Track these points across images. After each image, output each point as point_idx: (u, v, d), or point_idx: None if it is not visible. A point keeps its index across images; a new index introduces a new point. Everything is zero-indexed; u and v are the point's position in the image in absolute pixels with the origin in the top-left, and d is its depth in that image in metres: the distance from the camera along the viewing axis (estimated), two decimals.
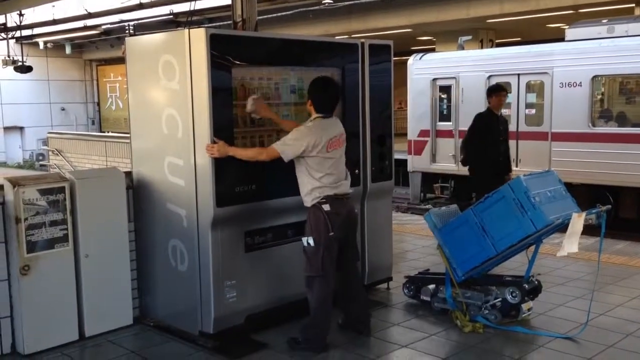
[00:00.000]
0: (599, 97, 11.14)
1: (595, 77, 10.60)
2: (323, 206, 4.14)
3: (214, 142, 4.15)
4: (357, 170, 5.18)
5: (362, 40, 5.23)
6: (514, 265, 5.34)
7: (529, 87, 11.65)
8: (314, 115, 4.30)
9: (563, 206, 4.54)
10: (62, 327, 4.41)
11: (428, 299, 5.11)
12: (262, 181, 4.46)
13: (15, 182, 4.25)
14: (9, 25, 18.67)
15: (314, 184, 4.17)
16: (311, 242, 4.16)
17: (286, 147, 4.15)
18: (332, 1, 15.19)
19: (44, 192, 4.28)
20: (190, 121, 4.26)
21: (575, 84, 10.71)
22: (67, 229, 4.38)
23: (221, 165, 4.19)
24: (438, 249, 4.87)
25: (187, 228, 4.40)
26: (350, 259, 4.45)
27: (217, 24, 16.23)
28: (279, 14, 16.19)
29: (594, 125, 10.64)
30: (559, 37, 12.48)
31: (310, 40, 5.40)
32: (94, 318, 4.55)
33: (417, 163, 13.18)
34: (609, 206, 4.78)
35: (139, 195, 4.81)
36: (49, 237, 4.30)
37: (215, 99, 4.18)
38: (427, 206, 12.76)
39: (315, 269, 4.16)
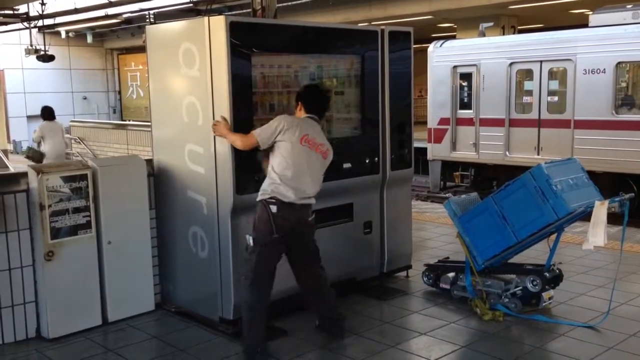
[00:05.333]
0: (623, 84, 10.95)
1: (619, 63, 10.42)
2: (270, 206, 3.91)
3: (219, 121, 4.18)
4: (376, 158, 5.17)
5: (382, 27, 5.20)
6: (535, 254, 5.31)
7: (552, 74, 11.50)
8: (303, 115, 4.15)
9: (585, 194, 4.49)
10: (85, 312, 4.49)
11: (448, 287, 5.11)
12: None
13: (39, 170, 4.31)
14: (31, 14, 18.82)
15: (272, 179, 3.95)
16: (251, 241, 3.99)
17: (262, 130, 3.99)
18: None
19: (67, 180, 4.34)
20: (211, 109, 4.28)
21: (598, 71, 10.54)
22: (89, 216, 4.44)
23: (241, 153, 4.20)
24: (458, 237, 4.85)
25: (207, 215, 4.44)
26: (307, 265, 4.20)
27: (237, 11, 16.21)
28: (299, 2, 16.13)
29: (617, 113, 10.48)
30: (583, 23, 12.29)
31: (330, 28, 5.38)
32: (117, 303, 4.62)
33: (437, 151, 13.11)
34: (632, 194, 4.72)
35: (160, 182, 4.85)
36: (72, 223, 4.36)
37: (235, 87, 4.19)
38: (446, 194, 12.70)
39: (248, 268, 4.01)
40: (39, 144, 11.36)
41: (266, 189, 3.97)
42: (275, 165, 3.98)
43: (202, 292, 4.60)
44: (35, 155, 11.63)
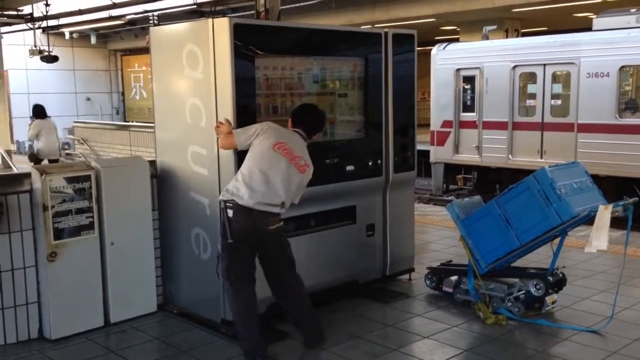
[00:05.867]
0: (627, 87, 10.94)
1: (623, 67, 10.41)
2: (228, 210, 3.85)
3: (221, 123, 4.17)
4: (379, 161, 5.17)
5: (386, 29, 5.20)
6: (538, 258, 5.29)
7: (555, 78, 11.49)
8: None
9: (589, 198, 4.48)
10: (87, 313, 4.49)
11: (450, 290, 5.09)
12: None
13: (43, 170, 4.31)
14: (35, 15, 18.86)
15: (236, 178, 3.92)
16: (219, 247, 4.01)
17: (242, 131, 4.02)
18: None
19: (70, 180, 4.34)
20: (214, 110, 4.28)
21: (602, 75, 10.52)
22: (92, 217, 4.44)
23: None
24: (461, 240, 4.84)
25: (210, 217, 4.43)
26: (276, 275, 4.07)
27: (240, 13, 16.22)
28: (302, 4, 16.14)
29: (621, 117, 10.46)
30: (586, 27, 12.28)
31: (334, 30, 5.39)
32: (119, 305, 4.62)
33: (439, 154, 13.09)
34: (636, 198, 4.70)
35: (163, 184, 4.85)
36: (75, 224, 4.36)
37: (238, 89, 4.19)
38: (449, 197, 12.68)
39: (223, 274, 3.99)
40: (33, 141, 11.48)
41: (228, 188, 3.92)
42: (243, 165, 3.96)
43: (205, 294, 4.60)
44: (33, 157, 11.78)
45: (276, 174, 3.90)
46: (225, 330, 4.41)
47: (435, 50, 13.08)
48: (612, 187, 9.85)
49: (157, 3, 17.61)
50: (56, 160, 11.88)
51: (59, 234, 4.30)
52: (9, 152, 15.74)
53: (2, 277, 4.26)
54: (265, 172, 3.88)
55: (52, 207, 4.26)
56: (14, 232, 4.28)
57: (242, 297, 3.97)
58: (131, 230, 4.65)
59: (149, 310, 4.79)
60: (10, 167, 13.72)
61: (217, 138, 4.24)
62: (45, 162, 11.75)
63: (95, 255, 4.49)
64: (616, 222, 4.82)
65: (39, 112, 11.61)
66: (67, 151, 18.47)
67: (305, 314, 4.14)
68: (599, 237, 4.30)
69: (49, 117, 11.95)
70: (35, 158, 11.76)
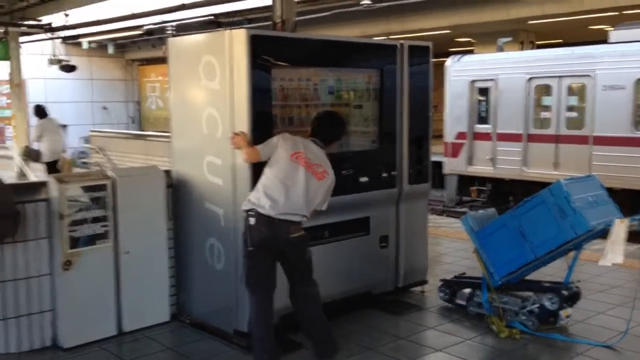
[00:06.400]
0: None
1: (639, 80, 10.35)
2: (250, 219, 3.92)
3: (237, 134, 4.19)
4: (393, 172, 5.17)
5: (402, 41, 5.21)
6: (553, 271, 5.25)
7: (570, 90, 11.44)
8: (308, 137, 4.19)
9: (605, 212, 4.45)
10: (101, 322, 4.51)
11: (463, 303, 5.07)
12: None
13: (60, 179, 4.36)
14: (54, 25, 19.12)
15: (257, 189, 3.97)
16: (241, 253, 4.08)
17: (264, 146, 4.06)
18: (370, 2, 15.13)
19: (86, 189, 4.38)
20: (230, 121, 4.31)
21: (618, 87, 10.48)
22: (108, 226, 4.47)
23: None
24: (475, 252, 4.82)
25: (224, 227, 4.45)
26: (294, 281, 4.09)
27: (256, 24, 16.33)
28: (317, 15, 16.21)
29: (637, 129, 10.39)
30: (602, 39, 12.23)
31: (349, 42, 5.41)
32: (132, 314, 4.64)
33: (453, 165, 13.07)
34: None
35: (178, 193, 4.88)
36: (90, 233, 4.40)
37: (254, 99, 4.22)
38: (462, 209, 12.63)
39: (244, 281, 4.05)
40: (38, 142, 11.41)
41: (250, 199, 3.98)
42: (263, 176, 4.01)
43: (218, 304, 4.61)
44: (31, 154, 11.60)
45: (295, 184, 3.94)
46: (237, 341, 4.41)
47: (449, 61, 13.09)
48: (627, 200, 9.77)
49: (174, 14, 17.78)
50: (56, 161, 11.45)
51: (74, 242, 4.33)
52: (26, 160, 15.89)
53: (18, 285, 4.30)
54: (285, 182, 3.93)
55: (68, 215, 4.30)
56: (30, 241, 4.32)
57: (259, 303, 4.00)
58: (146, 239, 4.68)
59: (162, 320, 4.81)
60: (27, 176, 13.82)
61: (236, 149, 4.25)
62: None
63: (109, 264, 4.52)
64: (632, 236, 4.78)
65: (39, 112, 11.47)
66: (83, 160, 18.63)
67: (318, 325, 4.14)
68: (615, 250, 4.27)
69: (62, 121, 11.89)
70: (34, 159, 11.59)
